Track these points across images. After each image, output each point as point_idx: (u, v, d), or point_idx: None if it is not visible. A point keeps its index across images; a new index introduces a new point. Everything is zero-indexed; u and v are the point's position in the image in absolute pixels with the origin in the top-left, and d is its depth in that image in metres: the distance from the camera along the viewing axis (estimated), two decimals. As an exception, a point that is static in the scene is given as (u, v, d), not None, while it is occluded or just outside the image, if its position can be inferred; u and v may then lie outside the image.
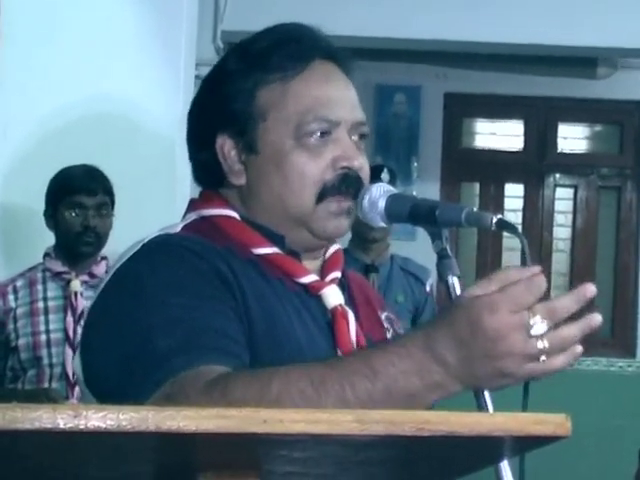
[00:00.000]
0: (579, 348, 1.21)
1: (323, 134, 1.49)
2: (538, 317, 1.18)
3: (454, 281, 1.37)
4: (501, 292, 1.19)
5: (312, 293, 1.51)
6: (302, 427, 0.95)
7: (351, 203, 1.48)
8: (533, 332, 1.18)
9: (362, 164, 1.51)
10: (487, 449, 1.11)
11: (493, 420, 1.03)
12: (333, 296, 1.51)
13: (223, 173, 1.53)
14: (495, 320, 1.18)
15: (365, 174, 1.51)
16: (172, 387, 1.27)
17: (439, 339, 1.21)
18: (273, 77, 1.50)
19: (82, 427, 0.89)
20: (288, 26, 1.55)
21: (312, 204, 1.48)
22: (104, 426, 0.90)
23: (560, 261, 7.01)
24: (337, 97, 1.51)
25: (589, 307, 1.21)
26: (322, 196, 1.48)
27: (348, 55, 1.56)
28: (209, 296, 1.39)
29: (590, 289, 1.20)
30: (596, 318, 1.21)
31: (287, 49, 1.51)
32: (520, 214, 7.01)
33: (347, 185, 1.47)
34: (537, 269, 1.21)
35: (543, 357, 1.18)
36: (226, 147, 1.52)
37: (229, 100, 1.51)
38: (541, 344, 1.18)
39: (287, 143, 1.48)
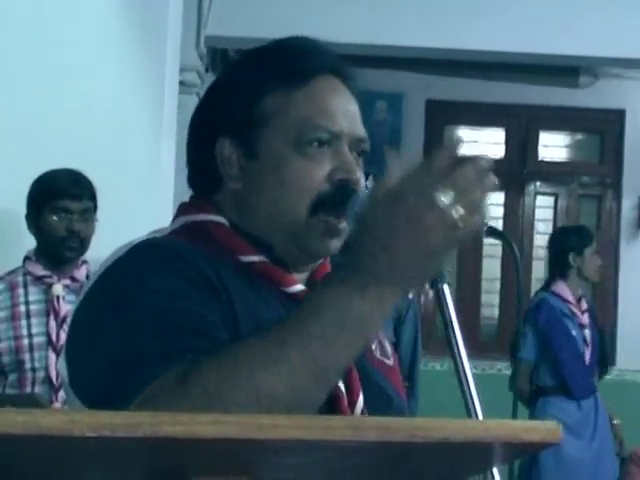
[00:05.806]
0: (487, 204, 1.26)
1: (323, 144, 1.48)
2: (442, 189, 1.21)
3: (444, 288, 1.39)
4: (403, 180, 1.23)
5: (298, 302, 1.51)
6: (296, 433, 0.95)
7: (344, 223, 1.48)
8: (442, 205, 1.21)
9: (360, 179, 1.51)
10: (479, 455, 1.11)
11: (486, 426, 1.04)
12: None
13: (220, 178, 1.53)
14: (405, 209, 1.21)
15: (360, 189, 1.51)
16: (151, 388, 1.27)
17: (363, 252, 1.24)
18: (278, 86, 1.50)
19: (77, 433, 0.89)
20: (298, 39, 1.56)
21: (304, 214, 1.47)
22: (99, 432, 0.90)
23: (540, 268, 7.03)
24: (339, 109, 1.51)
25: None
26: (315, 208, 1.47)
27: (354, 72, 1.57)
28: (196, 300, 1.39)
29: (483, 157, 1.26)
30: (483, 160, 1.25)
31: (295, 60, 1.52)
32: (501, 222, 7.03)
33: (342, 200, 1.47)
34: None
35: (461, 223, 1.22)
36: (226, 151, 1.52)
37: (233, 105, 1.52)
38: (455, 212, 1.21)
39: (286, 150, 1.48)
